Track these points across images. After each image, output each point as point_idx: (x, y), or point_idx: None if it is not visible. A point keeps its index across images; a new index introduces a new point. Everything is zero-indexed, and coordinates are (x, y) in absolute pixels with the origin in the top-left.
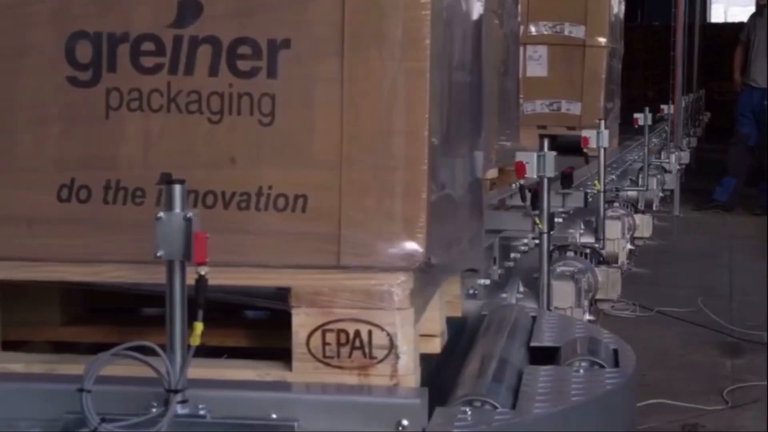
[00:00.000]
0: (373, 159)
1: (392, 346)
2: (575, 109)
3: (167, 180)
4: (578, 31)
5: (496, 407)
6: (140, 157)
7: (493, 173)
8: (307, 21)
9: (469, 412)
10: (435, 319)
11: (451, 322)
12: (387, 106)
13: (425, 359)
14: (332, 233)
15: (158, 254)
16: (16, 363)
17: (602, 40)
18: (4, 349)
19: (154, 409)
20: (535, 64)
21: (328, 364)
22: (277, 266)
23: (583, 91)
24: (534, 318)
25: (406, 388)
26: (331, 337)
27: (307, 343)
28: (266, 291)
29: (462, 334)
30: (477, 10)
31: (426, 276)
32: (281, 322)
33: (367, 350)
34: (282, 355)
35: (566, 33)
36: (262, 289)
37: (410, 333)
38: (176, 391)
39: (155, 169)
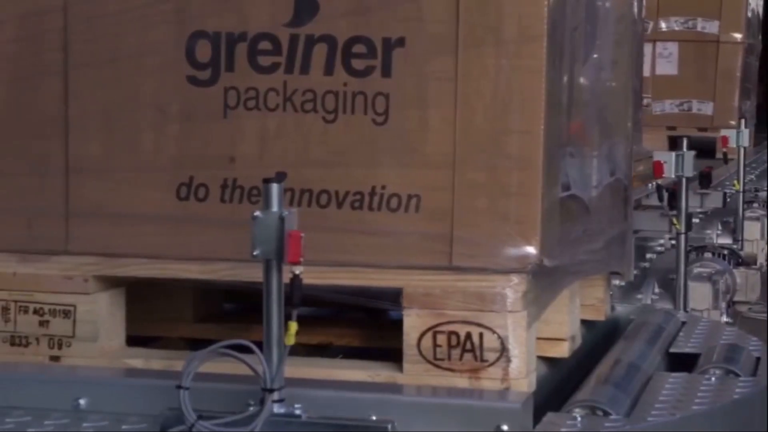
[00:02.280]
0: (486, 159)
1: (504, 349)
2: (707, 109)
3: (265, 179)
4: (712, 27)
5: (609, 414)
6: (256, 156)
7: None
8: (421, 19)
9: (579, 418)
10: (563, 323)
11: (599, 325)
12: (501, 105)
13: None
14: (445, 234)
15: (255, 253)
16: (137, 358)
17: (738, 35)
18: (135, 344)
19: (250, 408)
20: (665, 61)
21: (438, 366)
22: (389, 267)
23: (715, 91)
24: (683, 323)
25: (508, 392)
26: (442, 339)
27: (418, 345)
28: (379, 291)
29: (609, 339)
30: (616, 5)
31: (543, 278)
32: (393, 323)
33: (478, 353)
34: (393, 356)
35: (699, 28)
36: (374, 289)
37: (522, 336)
38: (272, 390)
39: (271, 168)
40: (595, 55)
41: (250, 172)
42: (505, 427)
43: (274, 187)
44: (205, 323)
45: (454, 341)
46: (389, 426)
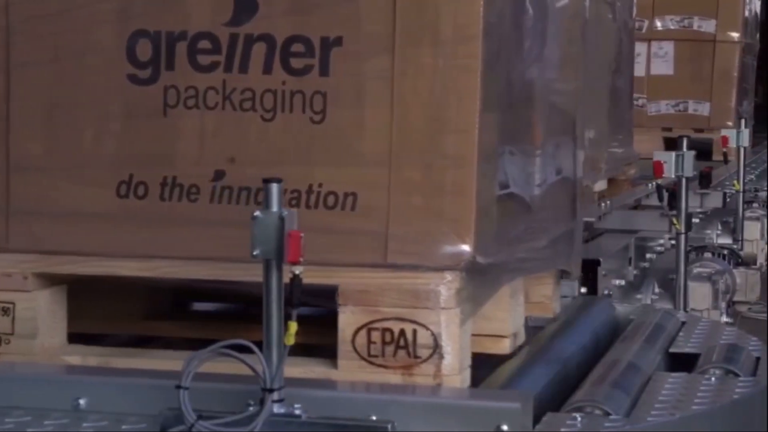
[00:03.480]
0: (422, 157)
1: (436, 346)
2: (704, 109)
3: (265, 179)
4: (708, 26)
5: (609, 414)
6: (195, 154)
7: (601, 185)
8: (359, 19)
9: (579, 418)
10: (505, 320)
11: (603, 325)
12: (437, 105)
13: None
14: (380, 231)
15: (255, 253)
16: (75, 356)
17: (735, 34)
18: (86, 342)
19: (250, 408)
20: (661, 61)
21: (372, 363)
22: (325, 264)
23: (712, 91)
24: (683, 323)
25: (508, 393)
26: (376, 336)
27: (353, 341)
28: (315, 288)
29: (610, 339)
30: (568, 4)
31: (479, 275)
32: (332, 319)
33: (411, 349)
34: (329, 352)
35: (695, 27)
36: (311, 286)
37: (456, 333)
38: (272, 390)
39: (210, 167)
40: (543, 54)
41: (189, 170)
42: (505, 427)
43: (274, 187)
44: (155, 321)
45: (388, 338)
46: (389, 426)
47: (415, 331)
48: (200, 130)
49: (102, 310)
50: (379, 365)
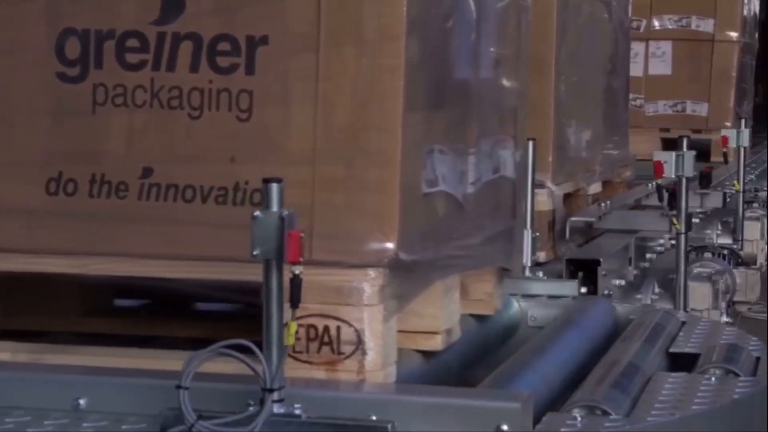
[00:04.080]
0: (346, 155)
1: (360, 342)
2: (702, 110)
3: (265, 179)
4: (706, 25)
5: (609, 414)
6: (124, 151)
7: (596, 187)
8: (284, 18)
9: (579, 418)
10: (437, 317)
11: (603, 325)
12: (361, 103)
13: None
14: (305, 229)
15: (255, 253)
16: (4, 352)
17: (733, 34)
18: (25, 339)
19: (250, 408)
20: (659, 61)
21: (297, 359)
22: (251, 260)
23: (710, 91)
24: (683, 323)
25: (508, 393)
26: (300, 332)
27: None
28: (243, 285)
29: (610, 339)
30: (515, 3)
31: (405, 273)
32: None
33: (335, 346)
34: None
35: (693, 27)
36: (237, 282)
37: (379, 329)
38: (272, 390)
39: (138, 164)
40: (478, 53)
41: (117, 167)
42: (505, 427)
43: (274, 187)
44: (93, 317)
45: (312, 334)
46: (389, 426)
47: (338, 328)
48: (128, 127)
49: (39, 307)
50: (304, 361)
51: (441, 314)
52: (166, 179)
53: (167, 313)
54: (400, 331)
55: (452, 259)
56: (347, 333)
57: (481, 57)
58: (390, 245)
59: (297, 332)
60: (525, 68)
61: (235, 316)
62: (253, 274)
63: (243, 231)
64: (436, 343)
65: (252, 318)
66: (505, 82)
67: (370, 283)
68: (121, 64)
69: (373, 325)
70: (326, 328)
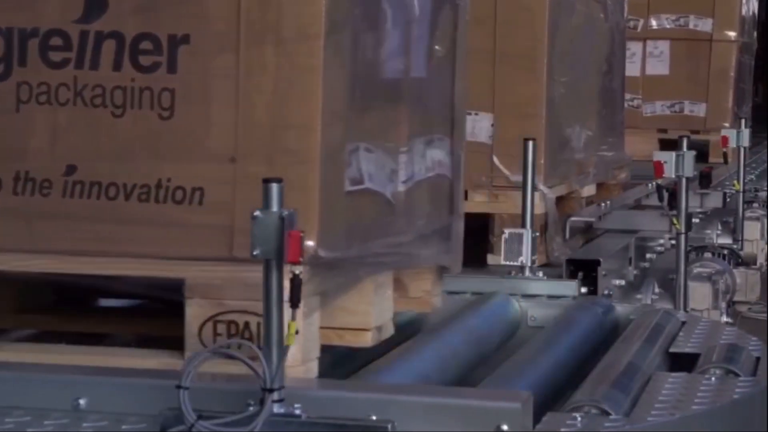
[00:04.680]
0: (266, 153)
1: None
2: (700, 110)
3: (265, 179)
4: (705, 25)
5: (609, 414)
6: (48, 149)
7: (590, 189)
8: (205, 17)
9: (579, 418)
10: (367, 313)
11: (603, 325)
12: (281, 102)
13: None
14: (226, 226)
15: (255, 253)
16: None
17: (732, 34)
18: None
19: (250, 408)
20: (656, 61)
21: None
22: (173, 258)
23: (709, 91)
24: (683, 323)
25: (508, 393)
26: (222, 328)
27: (200, 334)
28: (167, 281)
29: (610, 340)
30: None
31: (328, 270)
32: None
33: (255, 341)
34: (179, 344)
35: (691, 26)
36: (161, 279)
37: (299, 325)
38: (272, 390)
39: (61, 161)
40: (408, 52)
41: (41, 165)
42: (505, 427)
43: (274, 187)
44: (29, 314)
45: (233, 330)
46: (389, 426)
47: (259, 324)
48: (52, 125)
49: None
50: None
51: (372, 311)
52: (90, 177)
53: (98, 310)
54: (329, 328)
55: (381, 257)
56: None
57: (412, 56)
58: (310, 243)
59: (216, 328)
60: (464, 67)
61: (163, 312)
62: (175, 271)
63: (165, 228)
64: (366, 340)
65: (179, 315)
66: (441, 82)
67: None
68: (45, 62)
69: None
70: (247, 324)
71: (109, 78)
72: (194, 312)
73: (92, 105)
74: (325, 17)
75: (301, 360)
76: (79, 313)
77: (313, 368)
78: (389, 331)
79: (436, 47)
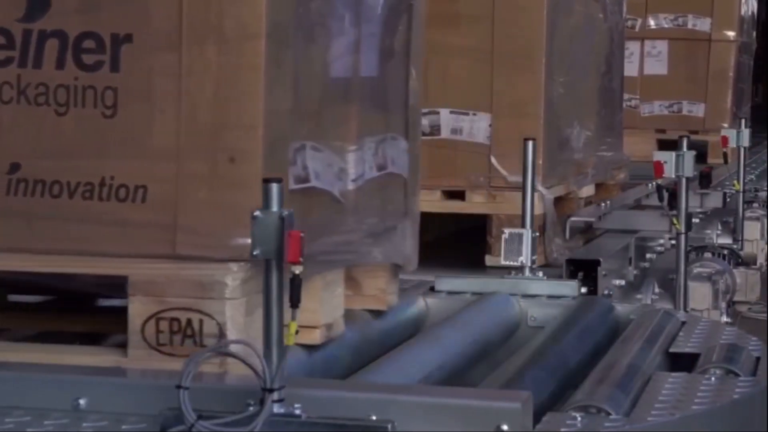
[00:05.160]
0: (208, 152)
1: (222, 335)
2: (698, 110)
3: (265, 179)
4: (703, 24)
5: (609, 414)
6: None
7: (589, 190)
8: (147, 16)
9: (579, 418)
10: (316, 311)
11: (603, 325)
12: (223, 101)
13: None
14: (169, 224)
15: (255, 253)
16: None
17: (731, 33)
18: None
19: (250, 408)
20: (654, 60)
21: (161, 351)
22: (116, 255)
23: (707, 91)
24: (683, 323)
25: (508, 393)
26: (164, 325)
27: (142, 331)
28: (111, 279)
29: (610, 339)
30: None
31: None
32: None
33: (198, 338)
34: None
35: (689, 26)
36: (105, 276)
37: (241, 322)
38: (272, 390)
39: (5, 160)
40: (358, 51)
41: None
42: (505, 427)
43: (274, 187)
44: None
45: (175, 327)
46: (389, 426)
47: (201, 321)
48: None
49: None
50: (168, 354)
51: (320, 309)
52: (34, 175)
53: (47, 307)
54: None
55: (330, 255)
56: (210, 326)
57: (362, 56)
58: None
59: (159, 325)
60: (419, 67)
61: (112, 310)
62: (118, 268)
63: (109, 226)
64: (315, 338)
65: (122, 311)
66: (394, 81)
67: (232, 277)
68: None
69: (236, 318)
70: (189, 321)
71: (53, 76)
72: (137, 309)
73: (36, 103)
74: (267, 17)
75: (244, 357)
76: (27, 311)
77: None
78: (339, 328)
79: (389, 47)
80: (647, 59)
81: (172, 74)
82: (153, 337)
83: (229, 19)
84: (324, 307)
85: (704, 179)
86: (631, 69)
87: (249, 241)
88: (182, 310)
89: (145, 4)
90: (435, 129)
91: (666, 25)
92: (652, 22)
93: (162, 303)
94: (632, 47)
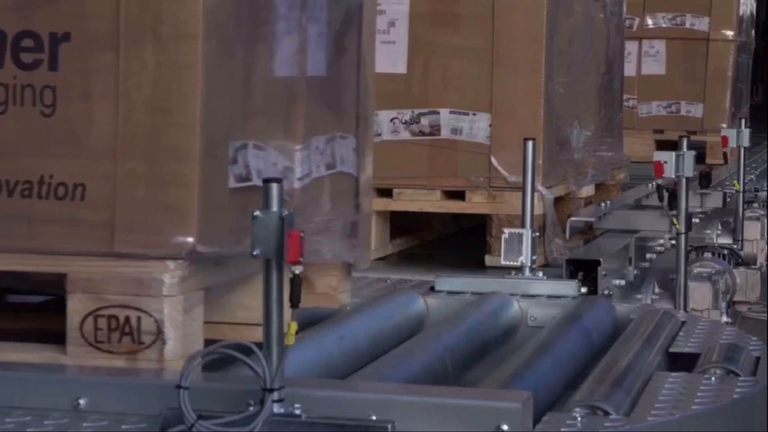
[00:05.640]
0: (146, 151)
1: (159, 332)
2: (696, 111)
3: (265, 179)
4: (701, 23)
5: (609, 414)
6: None
7: (588, 190)
8: (85, 15)
9: (579, 418)
10: (258, 308)
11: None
12: (160, 100)
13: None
14: (107, 222)
15: (255, 253)
16: None
17: (729, 33)
18: None
19: (250, 408)
20: (652, 60)
21: (99, 349)
22: (55, 253)
23: (705, 91)
24: (683, 323)
25: (508, 393)
26: (102, 323)
27: (81, 328)
28: (48, 276)
29: (610, 339)
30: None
31: (215, 265)
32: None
33: (135, 335)
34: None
35: (688, 25)
36: (42, 274)
37: (179, 320)
38: (272, 390)
39: None
40: (304, 51)
41: None
42: (505, 427)
43: (274, 187)
44: None
45: (114, 324)
46: (389, 426)
47: (139, 318)
48: None
49: None
50: (106, 351)
51: (260, 306)
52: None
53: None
54: (225, 323)
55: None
56: (147, 323)
57: (309, 56)
58: (189, 238)
59: (97, 323)
60: (372, 67)
61: (48, 307)
62: (58, 266)
63: (48, 224)
64: (258, 335)
65: (62, 309)
66: (344, 81)
67: (169, 274)
68: None
69: (173, 315)
70: (127, 319)
71: None
72: (75, 306)
73: None
74: (204, 16)
75: (181, 354)
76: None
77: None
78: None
79: (338, 47)
80: (645, 59)
81: (111, 73)
82: (91, 334)
83: (166, 18)
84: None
85: (704, 179)
86: (628, 69)
87: (188, 239)
88: (120, 307)
89: (83, 3)
90: (435, 129)
91: (664, 25)
92: (649, 22)
93: (100, 300)
94: (630, 47)
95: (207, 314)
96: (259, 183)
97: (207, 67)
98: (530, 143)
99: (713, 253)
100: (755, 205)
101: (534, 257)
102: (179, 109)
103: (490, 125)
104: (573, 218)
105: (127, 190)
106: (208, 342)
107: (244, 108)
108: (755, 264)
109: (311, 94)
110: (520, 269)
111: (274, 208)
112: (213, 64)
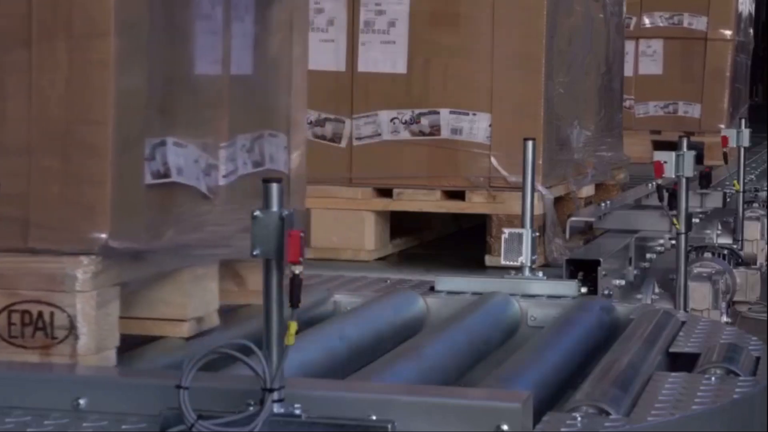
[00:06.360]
0: (60, 147)
1: (72, 327)
2: (694, 111)
3: (264, 179)
4: (699, 23)
5: (609, 414)
6: None
7: (588, 190)
8: None
9: (579, 418)
10: (184, 305)
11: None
12: (73, 97)
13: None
14: (21, 218)
15: (254, 253)
16: None
17: (727, 32)
18: None
19: (250, 408)
20: (649, 60)
21: (13, 344)
22: None
23: (703, 91)
24: (683, 323)
25: (508, 393)
26: (16, 318)
27: None
28: None
29: (610, 339)
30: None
31: (131, 261)
32: None
33: (49, 331)
34: None
35: (685, 25)
36: None
37: (92, 315)
38: (272, 390)
39: None
40: (228, 49)
41: None
42: (505, 427)
43: (274, 187)
44: None
45: (27, 320)
46: (389, 426)
47: (52, 314)
48: None
49: None
50: (19, 346)
51: (189, 303)
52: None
53: None
54: (149, 318)
55: (199, 249)
56: (60, 318)
57: (233, 54)
58: (102, 234)
59: (11, 318)
60: (304, 66)
61: None
62: None
63: None
64: (183, 331)
65: None
66: (274, 80)
67: (82, 270)
68: None
69: (86, 310)
70: (40, 314)
71: None
72: None
73: None
74: (116, 14)
75: (95, 349)
76: None
77: (110, 357)
78: (213, 322)
79: (266, 46)
80: (642, 59)
81: (23, 70)
82: (5, 330)
83: (78, 15)
84: (193, 301)
85: (704, 179)
86: (625, 69)
87: (101, 234)
88: (34, 302)
89: None
90: (435, 129)
91: (661, 24)
92: (647, 21)
93: (14, 295)
94: (627, 46)
95: (131, 310)
96: (180, 179)
97: (120, 65)
98: (530, 143)
99: (713, 253)
100: (755, 205)
101: (534, 257)
102: (92, 106)
103: (490, 125)
104: (573, 218)
105: (40, 186)
106: (126, 337)
107: (163, 105)
108: (755, 264)
109: (236, 93)
110: (520, 269)
111: (274, 208)
112: (126, 62)
